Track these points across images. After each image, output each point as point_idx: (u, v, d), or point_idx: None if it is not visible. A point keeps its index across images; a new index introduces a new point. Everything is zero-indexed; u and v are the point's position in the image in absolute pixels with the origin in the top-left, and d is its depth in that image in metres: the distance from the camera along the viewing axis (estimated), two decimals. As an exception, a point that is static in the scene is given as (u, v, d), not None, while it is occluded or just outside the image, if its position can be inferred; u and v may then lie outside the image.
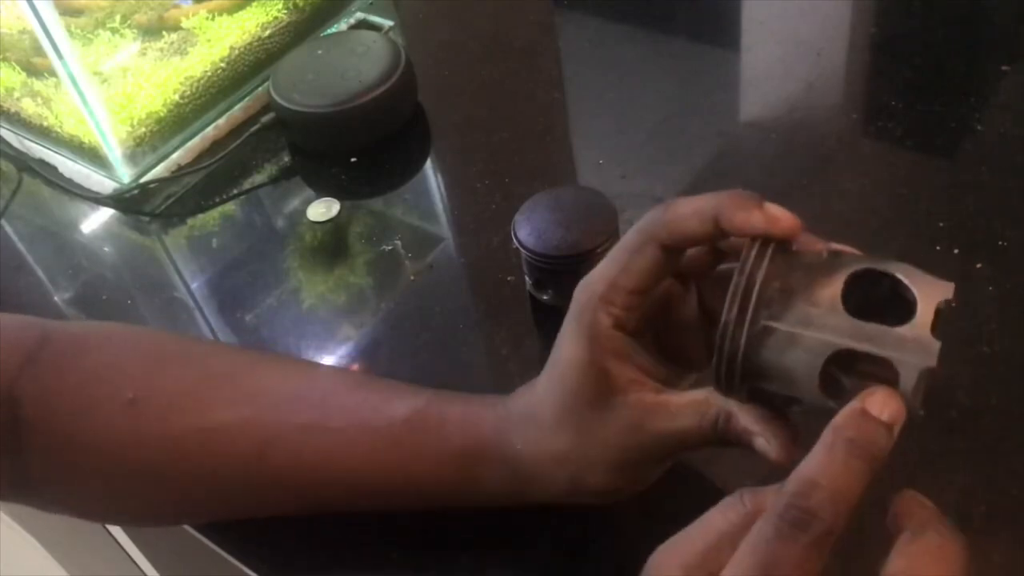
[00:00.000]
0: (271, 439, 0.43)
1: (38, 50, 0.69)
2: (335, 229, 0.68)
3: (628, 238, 0.38)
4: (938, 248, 0.56)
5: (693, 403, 0.38)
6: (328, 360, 0.59)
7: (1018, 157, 0.61)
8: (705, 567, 0.30)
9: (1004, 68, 0.67)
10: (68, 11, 0.70)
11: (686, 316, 0.41)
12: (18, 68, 0.74)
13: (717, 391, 0.35)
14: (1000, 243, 0.56)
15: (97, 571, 0.99)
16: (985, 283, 0.53)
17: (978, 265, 0.54)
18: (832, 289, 0.32)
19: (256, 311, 0.63)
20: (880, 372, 0.32)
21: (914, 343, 0.31)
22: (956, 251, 0.55)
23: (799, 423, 0.36)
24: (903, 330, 0.31)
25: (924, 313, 0.31)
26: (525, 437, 0.41)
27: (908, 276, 0.32)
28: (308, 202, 0.69)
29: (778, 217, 0.34)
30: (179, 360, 0.46)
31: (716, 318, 0.35)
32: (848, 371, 0.33)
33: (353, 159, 0.72)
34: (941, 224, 0.57)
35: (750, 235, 0.34)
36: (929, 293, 0.32)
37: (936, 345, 0.31)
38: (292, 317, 0.62)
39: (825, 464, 0.29)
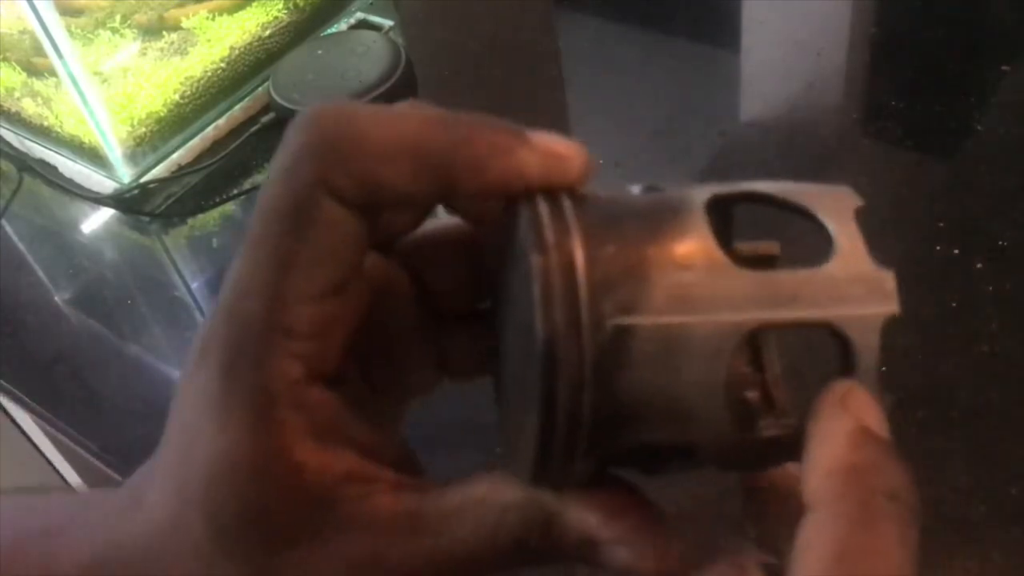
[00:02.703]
0: None
1: (38, 50, 0.69)
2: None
3: (275, 183, 0.21)
4: (938, 248, 0.56)
5: (475, 508, 0.21)
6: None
7: (1018, 157, 0.61)
8: None
9: (1004, 68, 0.67)
10: (68, 11, 0.70)
11: (394, 310, 0.25)
12: (18, 68, 0.74)
13: (524, 481, 0.21)
14: (1000, 243, 0.55)
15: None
16: (985, 283, 0.53)
17: (978, 265, 0.54)
18: (698, 236, 0.20)
19: (256, 311, 0.63)
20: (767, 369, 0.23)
21: (860, 284, 0.20)
22: (956, 251, 0.55)
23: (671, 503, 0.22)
24: (833, 269, 0.20)
25: (847, 236, 0.21)
26: None
27: (788, 192, 0.22)
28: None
29: (561, 153, 0.21)
30: None
31: (447, 307, 0.23)
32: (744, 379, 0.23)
33: (353, 159, 0.72)
34: (941, 224, 0.57)
35: (515, 193, 0.21)
36: (833, 207, 0.21)
37: (891, 279, 0.20)
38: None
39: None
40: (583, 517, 0.21)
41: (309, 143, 0.21)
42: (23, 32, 0.71)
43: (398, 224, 0.24)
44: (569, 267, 0.19)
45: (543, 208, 0.20)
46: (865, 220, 0.21)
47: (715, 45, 0.77)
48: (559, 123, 0.72)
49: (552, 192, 0.21)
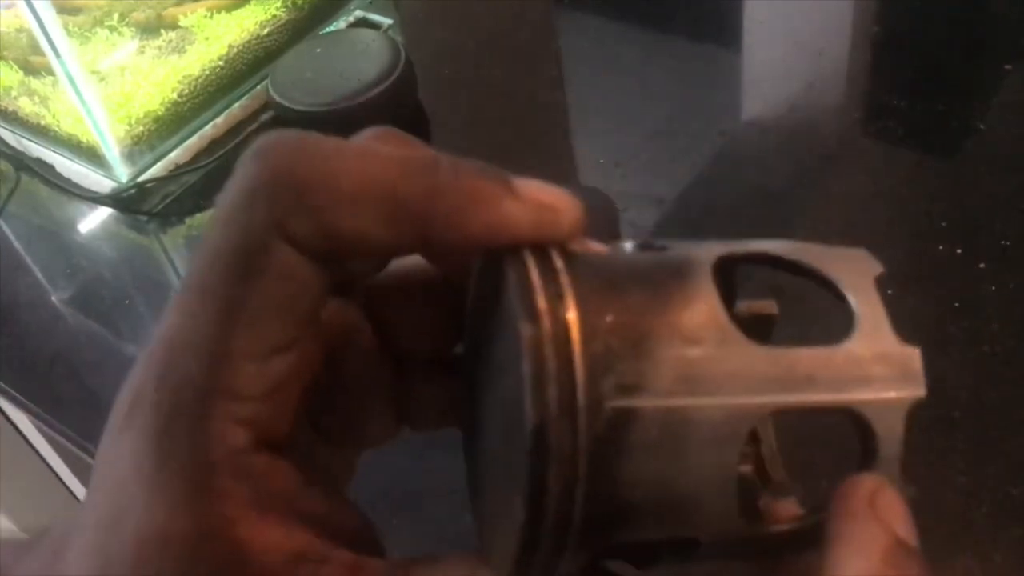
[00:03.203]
0: None
1: (36, 48, 0.68)
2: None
3: (222, 222, 0.19)
4: (940, 248, 0.55)
5: None
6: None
7: (1021, 156, 0.61)
8: None
9: (1006, 67, 0.67)
10: (66, 9, 0.69)
11: (352, 358, 0.22)
12: (15, 67, 0.74)
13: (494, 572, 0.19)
14: (1002, 243, 0.55)
15: None
16: (988, 283, 0.53)
17: (980, 265, 0.54)
18: (706, 305, 0.18)
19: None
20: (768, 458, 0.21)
21: (884, 364, 0.18)
22: (959, 251, 0.55)
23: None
24: (854, 347, 0.18)
25: (868, 309, 0.19)
26: None
27: (802, 254, 0.20)
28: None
29: (552, 204, 0.19)
30: None
31: (411, 353, 0.21)
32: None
33: (352, 158, 0.72)
34: (943, 224, 0.57)
35: (501, 246, 0.19)
36: (851, 273, 0.19)
37: (917, 358, 0.18)
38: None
39: None
40: None
41: (263, 180, 0.18)
42: (20, 30, 0.71)
43: (359, 269, 0.21)
44: (564, 340, 0.17)
45: (532, 268, 0.18)
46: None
47: (716, 44, 0.77)
48: (559, 122, 0.72)
49: (541, 247, 0.18)
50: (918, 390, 0.18)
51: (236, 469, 0.18)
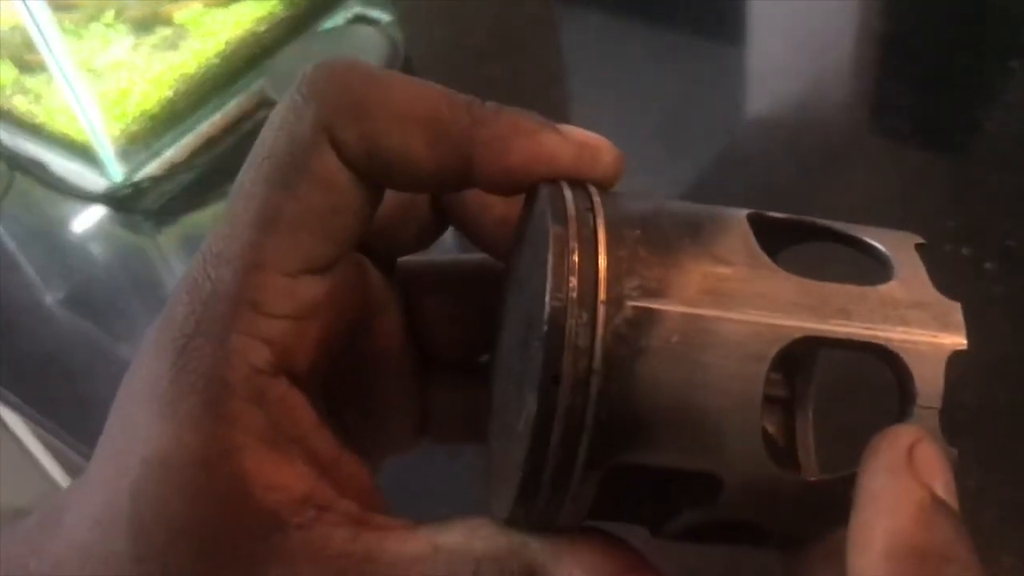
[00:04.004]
0: None
1: (30, 46, 0.68)
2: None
3: (272, 127, 0.19)
4: (946, 248, 0.55)
5: (445, 557, 0.18)
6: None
7: (1028, 155, 0.61)
8: None
9: (1013, 65, 0.67)
10: (60, 6, 0.69)
11: (380, 340, 0.22)
12: (10, 64, 0.73)
13: (508, 508, 0.17)
14: (1009, 243, 0.55)
15: None
16: (994, 283, 0.53)
17: (987, 265, 0.54)
18: (738, 234, 0.18)
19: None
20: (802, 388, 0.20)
21: (923, 310, 0.17)
22: (965, 251, 0.55)
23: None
24: (892, 291, 0.17)
25: (908, 264, 0.18)
26: None
27: (839, 224, 0.20)
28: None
29: (592, 143, 0.19)
30: None
31: (438, 350, 0.21)
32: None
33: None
34: (949, 223, 0.57)
35: (535, 179, 0.19)
36: (891, 240, 0.19)
37: (958, 311, 0.18)
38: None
39: None
40: (572, 574, 0.17)
41: (317, 87, 0.19)
42: (14, 28, 0.70)
43: (402, 238, 0.22)
44: (590, 240, 0.17)
45: (566, 187, 0.18)
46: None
47: (720, 41, 0.77)
48: (560, 120, 0.71)
49: (578, 181, 0.18)
50: (959, 339, 0.17)
51: (252, 392, 0.18)
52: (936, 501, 0.16)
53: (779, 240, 0.19)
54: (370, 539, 0.18)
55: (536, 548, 0.17)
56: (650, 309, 0.16)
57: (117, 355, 0.63)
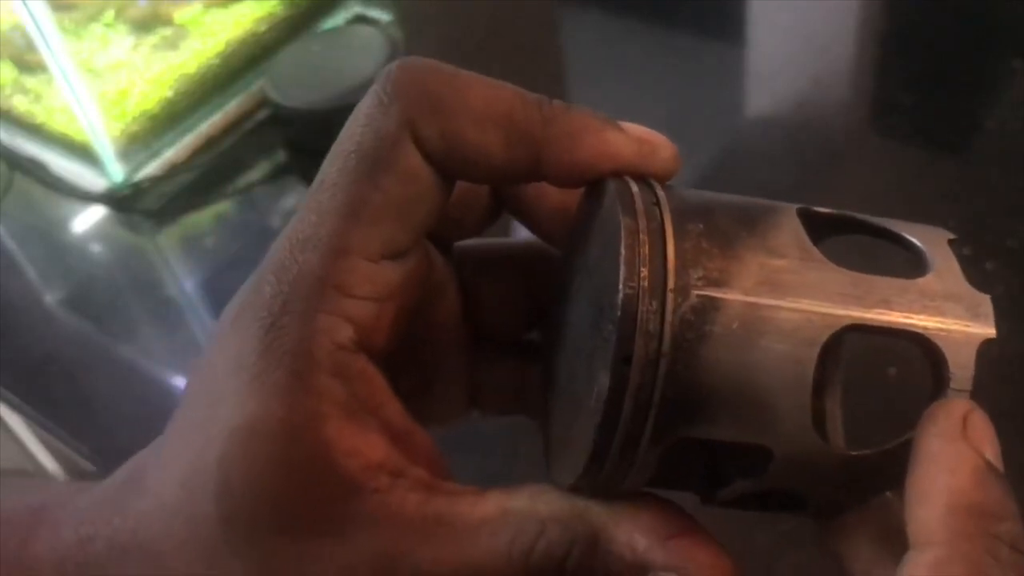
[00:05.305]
0: None
1: (30, 46, 0.68)
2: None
3: (357, 122, 0.21)
4: (948, 247, 0.55)
5: (514, 518, 0.19)
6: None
7: (1029, 155, 0.61)
8: None
9: (1015, 64, 0.67)
10: (60, 6, 0.69)
11: (438, 315, 0.23)
12: (10, 64, 0.73)
13: (577, 473, 0.19)
14: (1010, 243, 0.55)
15: None
16: (996, 284, 0.53)
17: (988, 265, 0.54)
18: (790, 230, 0.19)
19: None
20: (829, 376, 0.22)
21: (956, 301, 0.19)
22: (966, 251, 0.55)
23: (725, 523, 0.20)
24: (928, 284, 0.19)
25: (942, 258, 0.20)
26: None
27: (876, 220, 0.21)
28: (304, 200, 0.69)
29: (652, 140, 0.21)
30: None
31: (492, 329, 0.22)
32: None
33: (350, 156, 0.71)
34: (950, 223, 0.56)
35: (600, 174, 0.20)
36: (925, 235, 0.21)
37: (988, 303, 0.19)
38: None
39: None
40: (633, 538, 0.19)
41: (400, 85, 0.20)
42: (14, 28, 0.70)
43: (465, 224, 0.23)
44: (659, 233, 0.18)
45: (632, 182, 0.20)
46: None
47: (720, 40, 0.77)
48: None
49: (640, 177, 0.20)
50: (988, 330, 0.19)
51: (335, 366, 0.19)
52: (988, 465, 0.18)
53: (821, 233, 0.21)
54: (441, 503, 0.19)
55: (597, 511, 0.19)
56: (714, 298, 0.18)
57: (117, 355, 0.62)
